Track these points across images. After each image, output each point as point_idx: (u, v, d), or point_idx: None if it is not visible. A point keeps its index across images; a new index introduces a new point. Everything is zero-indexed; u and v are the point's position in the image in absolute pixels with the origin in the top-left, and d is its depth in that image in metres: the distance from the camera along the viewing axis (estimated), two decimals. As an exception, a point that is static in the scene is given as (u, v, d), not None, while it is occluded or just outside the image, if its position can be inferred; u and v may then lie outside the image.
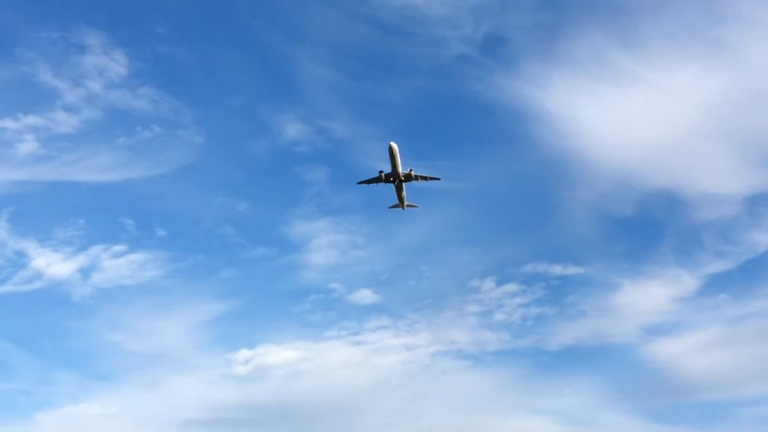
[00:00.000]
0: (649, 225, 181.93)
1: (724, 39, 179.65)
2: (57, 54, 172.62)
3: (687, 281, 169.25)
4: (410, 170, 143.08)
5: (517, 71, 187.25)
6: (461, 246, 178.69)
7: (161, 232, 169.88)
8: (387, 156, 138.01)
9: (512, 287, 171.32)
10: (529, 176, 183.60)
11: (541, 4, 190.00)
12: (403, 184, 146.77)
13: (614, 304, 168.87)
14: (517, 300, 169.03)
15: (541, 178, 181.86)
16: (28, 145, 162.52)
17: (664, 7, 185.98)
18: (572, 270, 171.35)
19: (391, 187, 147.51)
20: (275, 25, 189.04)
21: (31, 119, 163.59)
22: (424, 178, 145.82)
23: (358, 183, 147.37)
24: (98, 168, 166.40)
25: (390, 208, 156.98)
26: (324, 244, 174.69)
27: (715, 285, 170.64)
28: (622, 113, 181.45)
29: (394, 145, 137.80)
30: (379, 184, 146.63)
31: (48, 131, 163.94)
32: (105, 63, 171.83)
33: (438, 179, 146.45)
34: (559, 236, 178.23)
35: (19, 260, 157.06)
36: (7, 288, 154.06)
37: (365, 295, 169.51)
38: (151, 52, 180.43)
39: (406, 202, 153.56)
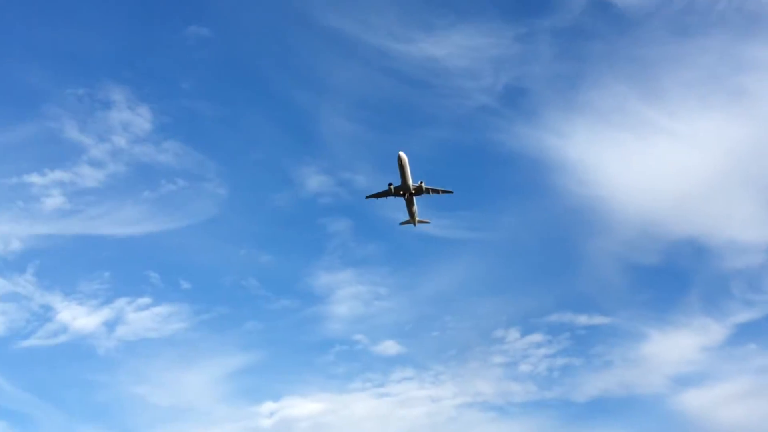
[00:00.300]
0: (675, 274, 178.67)
1: (744, 87, 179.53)
2: (83, 110, 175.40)
3: (715, 330, 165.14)
4: (421, 182, 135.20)
5: (538, 121, 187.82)
6: (485, 296, 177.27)
7: (185, 285, 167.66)
8: (398, 173, 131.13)
9: (537, 337, 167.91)
10: (553, 225, 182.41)
11: (560, 55, 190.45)
12: (414, 197, 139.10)
13: (641, 354, 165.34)
14: (543, 350, 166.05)
15: (565, 227, 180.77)
16: (55, 200, 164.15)
17: (684, 56, 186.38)
18: (598, 320, 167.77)
19: (402, 202, 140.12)
20: (297, 78, 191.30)
21: (58, 174, 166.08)
22: (436, 191, 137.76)
23: (367, 197, 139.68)
24: (123, 221, 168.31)
25: (401, 224, 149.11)
26: (347, 295, 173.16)
27: (743, 334, 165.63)
28: (644, 162, 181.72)
29: (403, 155, 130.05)
30: (388, 198, 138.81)
31: (74, 186, 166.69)
32: (130, 118, 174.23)
33: (450, 192, 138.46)
34: (584, 286, 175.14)
35: (45, 314, 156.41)
36: (33, 342, 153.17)
37: (389, 347, 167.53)
38: (175, 106, 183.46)
39: (417, 218, 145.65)
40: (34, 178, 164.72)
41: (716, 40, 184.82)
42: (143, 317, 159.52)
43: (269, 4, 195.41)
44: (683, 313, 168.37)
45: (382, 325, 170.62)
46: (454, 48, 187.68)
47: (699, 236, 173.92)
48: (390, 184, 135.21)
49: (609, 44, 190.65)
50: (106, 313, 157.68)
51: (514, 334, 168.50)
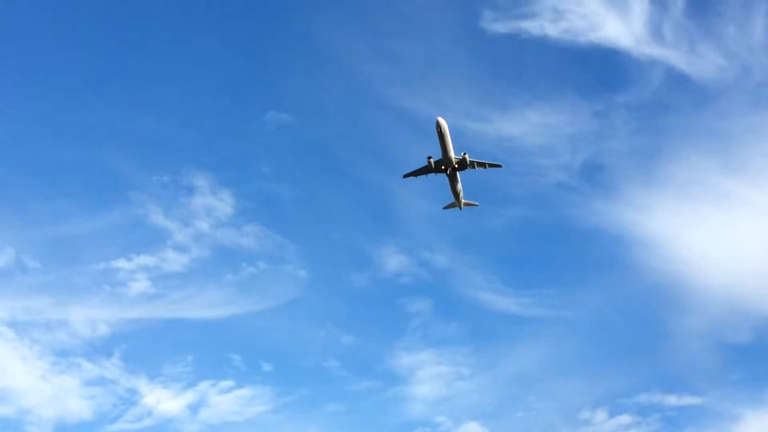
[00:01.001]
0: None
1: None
2: (168, 196, 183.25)
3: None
4: (464, 154, 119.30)
5: (617, 196, 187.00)
6: (570, 376, 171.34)
7: (267, 367, 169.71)
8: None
9: (626, 419, 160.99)
10: (636, 302, 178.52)
11: (638, 130, 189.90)
12: (458, 173, 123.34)
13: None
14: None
15: (649, 305, 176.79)
16: (140, 284, 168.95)
17: (764, 127, 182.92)
18: (688, 400, 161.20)
19: (444, 182, 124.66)
20: (374, 159, 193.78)
21: (144, 259, 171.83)
22: (483, 165, 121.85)
23: (404, 176, 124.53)
24: (206, 305, 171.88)
25: (444, 209, 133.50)
26: (429, 375, 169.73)
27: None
28: (729, 236, 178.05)
29: (441, 121, 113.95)
30: (428, 175, 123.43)
31: (159, 270, 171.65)
32: (213, 203, 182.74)
33: (499, 166, 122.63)
34: (672, 364, 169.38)
35: (131, 397, 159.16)
36: (120, 426, 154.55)
37: (472, 428, 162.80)
38: (256, 190, 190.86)
39: (463, 200, 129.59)
40: (121, 263, 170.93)
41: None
42: (226, 400, 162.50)
43: (346, 88, 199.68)
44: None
45: (464, 406, 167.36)
46: (530, 126, 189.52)
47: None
48: (429, 158, 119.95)
49: (687, 117, 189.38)
50: (189, 396, 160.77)
51: (601, 415, 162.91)
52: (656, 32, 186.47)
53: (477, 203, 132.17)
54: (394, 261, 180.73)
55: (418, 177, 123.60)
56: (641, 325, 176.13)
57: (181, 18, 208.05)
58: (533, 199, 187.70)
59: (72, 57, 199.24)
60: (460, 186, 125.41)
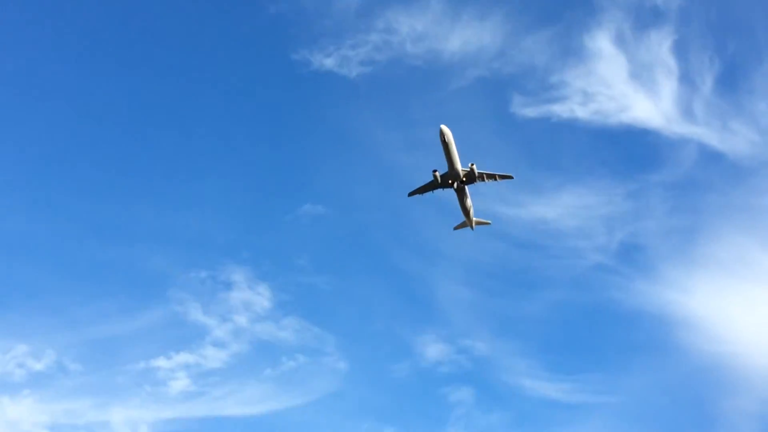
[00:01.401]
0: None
1: None
2: (206, 292, 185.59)
3: None
4: (472, 165, 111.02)
5: (657, 277, 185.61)
6: None
7: None
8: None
9: None
10: (683, 385, 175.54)
11: (674, 209, 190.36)
12: (466, 187, 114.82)
13: None
14: None
15: (696, 387, 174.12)
16: (180, 383, 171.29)
17: None
18: None
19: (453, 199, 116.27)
20: (410, 247, 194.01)
21: (183, 357, 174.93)
22: (492, 177, 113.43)
23: (409, 195, 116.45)
24: (246, 401, 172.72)
25: (455, 229, 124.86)
26: None
27: None
28: None
29: (445, 129, 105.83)
30: (435, 191, 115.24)
31: (199, 367, 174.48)
32: (250, 297, 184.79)
33: (511, 177, 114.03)
34: None
35: None
36: None
37: None
38: (292, 282, 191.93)
39: (474, 218, 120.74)
40: (161, 362, 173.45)
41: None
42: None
43: (379, 178, 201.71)
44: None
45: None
46: (565, 208, 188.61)
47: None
48: (435, 171, 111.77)
49: (724, 195, 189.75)
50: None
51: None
52: (686, 111, 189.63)
53: (490, 221, 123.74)
54: (433, 349, 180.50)
55: (424, 194, 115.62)
56: (689, 409, 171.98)
57: (214, 113, 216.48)
58: (571, 282, 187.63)
59: (108, 157, 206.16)
60: (469, 202, 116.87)
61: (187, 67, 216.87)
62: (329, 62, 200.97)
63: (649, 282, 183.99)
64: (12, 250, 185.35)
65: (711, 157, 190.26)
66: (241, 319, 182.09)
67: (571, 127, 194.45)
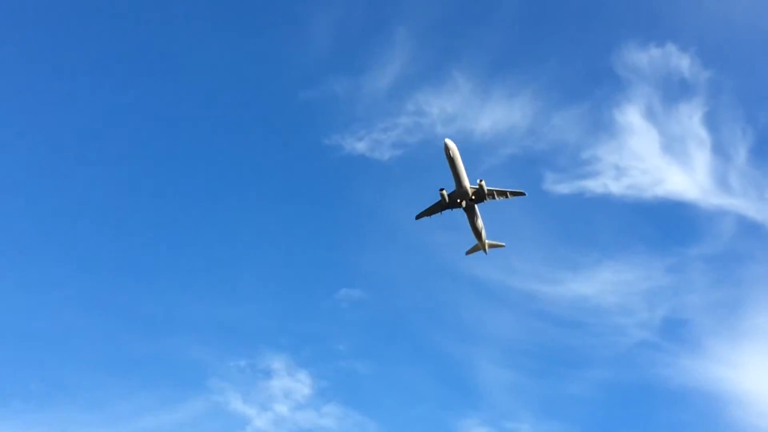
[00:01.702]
0: None
1: None
2: (245, 381, 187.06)
3: None
4: (480, 181, 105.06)
5: (703, 352, 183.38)
6: None
7: None
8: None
9: None
10: None
11: (716, 282, 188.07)
12: (476, 206, 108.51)
13: None
14: None
15: None
16: None
17: None
18: None
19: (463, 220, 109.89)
20: (449, 329, 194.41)
21: None
22: (503, 194, 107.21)
23: (417, 217, 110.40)
24: None
25: (467, 254, 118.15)
26: None
27: None
28: None
29: (450, 143, 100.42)
30: (443, 212, 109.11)
31: None
32: (290, 385, 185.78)
33: (523, 194, 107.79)
34: None
35: None
36: None
37: None
38: (332, 369, 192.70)
39: (486, 240, 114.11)
40: None
41: None
42: None
43: (416, 260, 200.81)
44: None
45: None
46: (604, 285, 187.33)
47: None
48: (442, 190, 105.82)
49: (766, 265, 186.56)
50: None
51: None
52: (722, 182, 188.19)
53: (503, 244, 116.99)
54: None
55: (432, 216, 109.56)
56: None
57: (248, 201, 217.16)
58: (615, 359, 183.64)
59: (144, 252, 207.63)
60: (480, 222, 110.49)
61: (219, 156, 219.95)
62: (361, 146, 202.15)
63: (695, 357, 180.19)
64: (52, 347, 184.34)
65: (749, 227, 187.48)
66: (282, 408, 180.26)
67: (605, 202, 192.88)
